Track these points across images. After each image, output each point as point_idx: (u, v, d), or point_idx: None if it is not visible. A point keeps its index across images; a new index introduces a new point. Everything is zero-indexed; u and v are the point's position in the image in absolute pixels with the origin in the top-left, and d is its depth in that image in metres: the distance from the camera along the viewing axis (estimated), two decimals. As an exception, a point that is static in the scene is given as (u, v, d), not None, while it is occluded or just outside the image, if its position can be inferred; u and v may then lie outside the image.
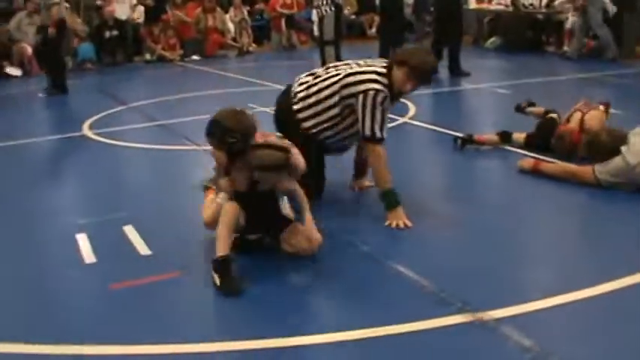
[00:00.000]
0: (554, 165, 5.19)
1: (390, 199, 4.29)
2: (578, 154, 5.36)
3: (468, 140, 6.02)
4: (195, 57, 14.71)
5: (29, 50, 12.60)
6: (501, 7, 15.07)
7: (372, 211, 4.50)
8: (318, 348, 2.94)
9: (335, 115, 4.43)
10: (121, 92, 10.74)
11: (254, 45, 16.04)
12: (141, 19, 15.03)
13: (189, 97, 9.85)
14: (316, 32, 12.35)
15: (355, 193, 4.96)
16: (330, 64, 4.73)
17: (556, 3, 13.57)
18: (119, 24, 14.21)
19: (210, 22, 15.19)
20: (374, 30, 16.19)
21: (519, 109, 6.50)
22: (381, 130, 4.28)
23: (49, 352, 2.96)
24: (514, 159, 5.54)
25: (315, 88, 4.48)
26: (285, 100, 4.63)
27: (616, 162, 4.70)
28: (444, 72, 10.19)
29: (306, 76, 4.65)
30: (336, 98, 4.38)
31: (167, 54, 14.54)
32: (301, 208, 3.83)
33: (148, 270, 3.77)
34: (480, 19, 15.31)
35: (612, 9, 11.73)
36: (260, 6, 17.30)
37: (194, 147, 6.45)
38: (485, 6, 15.80)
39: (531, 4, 14.38)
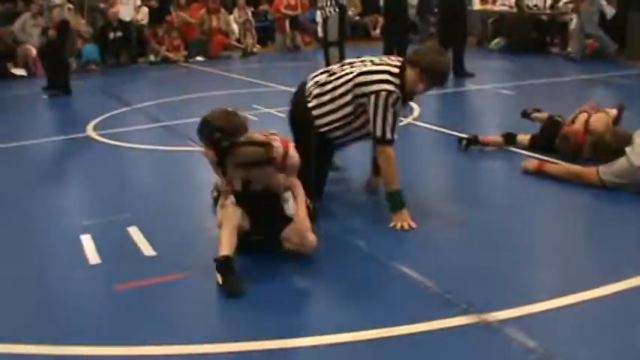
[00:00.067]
0: (558, 166, 5.18)
1: (396, 201, 4.29)
2: (582, 156, 5.35)
3: (473, 141, 6.02)
4: (199, 58, 14.73)
5: (34, 52, 12.62)
6: (505, 8, 15.07)
7: (376, 213, 4.50)
8: (322, 349, 2.93)
9: (349, 113, 4.39)
10: (125, 93, 10.75)
11: (258, 46, 16.06)
12: (145, 21, 15.06)
13: (194, 98, 9.85)
14: (320, 33, 12.32)
15: (359, 195, 4.95)
16: (346, 61, 4.67)
17: (561, 4, 13.57)
18: (123, 25, 14.24)
19: (215, 24, 15.21)
20: (378, 31, 16.17)
21: (525, 114, 6.47)
22: (392, 132, 4.26)
23: (53, 353, 2.97)
24: (518, 160, 5.54)
25: (329, 86, 4.44)
26: (299, 98, 4.59)
27: (620, 163, 4.69)
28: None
29: (321, 73, 4.62)
30: (349, 97, 4.35)
31: (171, 55, 14.56)
32: (295, 201, 3.83)
33: (152, 271, 3.78)
34: (484, 20, 15.30)
35: (610, 11, 11.71)
36: (264, 7, 17.32)
37: (198, 148, 6.44)
38: (489, 7, 15.80)
39: (535, 5, 14.37)
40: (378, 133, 4.26)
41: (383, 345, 2.92)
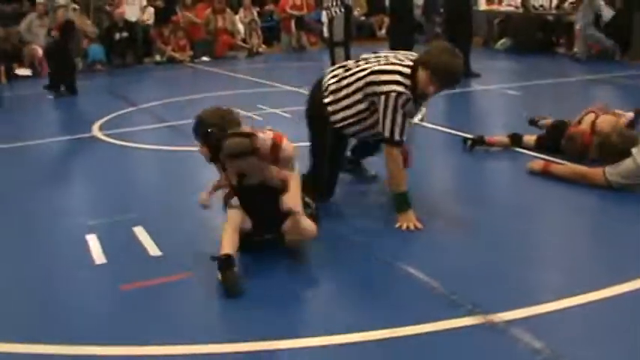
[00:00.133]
0: (564, 167, 5.17)
1: (402, 202, 4.28)
2: (589, 156, 5.33)
3: (479, 141, 6.01)
4: (205, 58, 14.74)
5: (40, 52, 12.63)
6: (511, 9, 15.06)
7: (382, 213, 4.50)
8: (332, 349, 2.93)
9: (362, 109, 4.38)
10: (131, 93, 10.77)
11: (264, 46, 16.07)
12: (151, 21, 15.08)
13: (199, 98, 9.84)
14: (326, 33, 12.34)
15: (365, 195, 4.95)
16: (363, 55, 4.62)
17: (566, 4, 13.55)
18: (129, 25, 14.26)
19: (220, 24, 15.22)
20: (384, 31, 16.14)
21: (533, 122, 6.41)
22: (401, 133, 4.23)
23: (59, 353, 2.97)
24: (524, 160, 5.52)
25: (345, 82, 4.42)
26: (316, 93, 4.57)
27: (627, 164, 4.68)
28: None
29: (338, 68, 4.62)
30: (362, 94, 4.34)
31: (177, 55, 14.58)
32: (287, 193, 3.78)
33: (158, 271, 3.78)
34: (490, 20, 15.28)
35: (608, 13, 11.68)
36: (270, 7, 17.33)
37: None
38: (495, 7, 15.80)
39: (541, 6, 14.37)
40: (387, 133, 4.24)
41: (388, 345, 2.91)
